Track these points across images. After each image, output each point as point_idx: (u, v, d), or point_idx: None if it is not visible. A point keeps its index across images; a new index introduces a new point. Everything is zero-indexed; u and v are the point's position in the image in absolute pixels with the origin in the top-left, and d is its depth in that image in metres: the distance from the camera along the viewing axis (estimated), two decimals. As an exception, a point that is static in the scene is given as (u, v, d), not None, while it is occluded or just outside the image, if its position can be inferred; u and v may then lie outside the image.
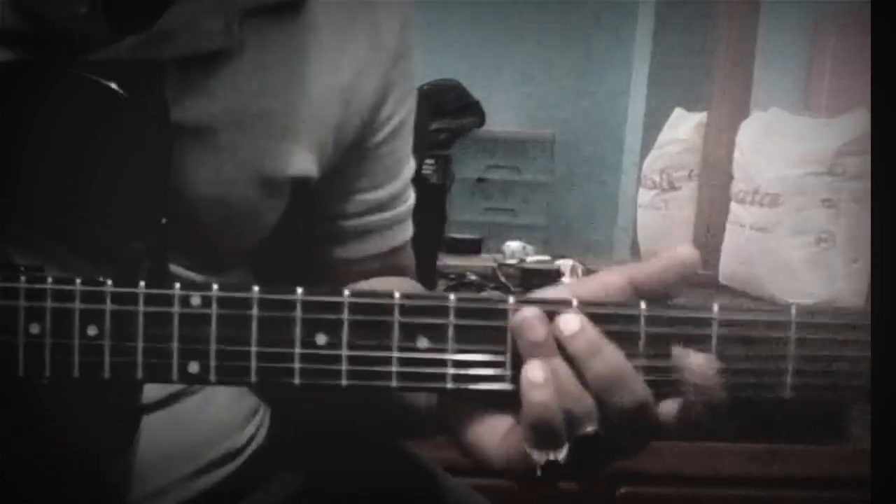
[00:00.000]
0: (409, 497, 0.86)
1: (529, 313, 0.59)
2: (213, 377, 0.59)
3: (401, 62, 0.82)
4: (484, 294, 0.59)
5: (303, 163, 0.78)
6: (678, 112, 2.44)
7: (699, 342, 0.59)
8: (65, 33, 0.67)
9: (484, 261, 2.17)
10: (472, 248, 2.37)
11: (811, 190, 1.95)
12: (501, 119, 3.94)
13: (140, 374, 0.60)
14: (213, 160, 0.73)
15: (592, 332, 0.58)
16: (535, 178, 4.04)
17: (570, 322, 0.58)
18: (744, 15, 2.23)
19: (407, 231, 0.89)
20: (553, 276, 2.02)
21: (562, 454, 0.59)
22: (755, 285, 2.05)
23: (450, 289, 1.90)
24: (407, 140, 0.86)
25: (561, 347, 0.59)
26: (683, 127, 2.36)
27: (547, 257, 2.15)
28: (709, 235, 2.24)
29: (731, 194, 2.15)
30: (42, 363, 0.59)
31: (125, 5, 0.68)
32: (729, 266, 2.14)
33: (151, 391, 0.72)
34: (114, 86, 0.63)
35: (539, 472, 0.60)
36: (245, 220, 0.77)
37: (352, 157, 0.82)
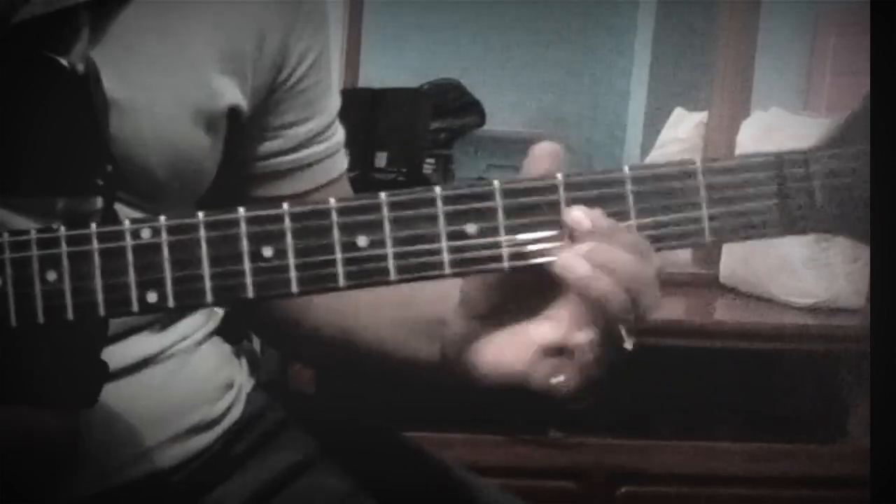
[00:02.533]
0: (414, 489, 0.87)
1: (566, 256, 0.62)
2: (171, 302, 0.62)
3: (307, 1, 0.84)
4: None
5: (230, 93, 0.80)
6: (678, 112, 2.44)
7: (616, 200, 0.63)
8: None
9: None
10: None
11: (811, 189, 1.95)
12: (502, 119, 3.94)
13: (102, 311, 0.62)
14: (142, 99, 0.75)
15: (606, 220, 0.62)
16: (535, 177, 4.03)
17: (581, 218, 0.63)
18: (744, 15, 2.23)
19: (341, 163, 0.91)
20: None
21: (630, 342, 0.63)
22: (755, 284, 2.05)
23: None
24: (328, 73, 0.89)
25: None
26: (684, 126, 2.36)
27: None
28: (709, 235, 2.24)
29: (731, 194, 2.15)
30: (6, 313, 0.62)
31: None
32: (729, 265, 2.14)
33: (119, 357, 0.74)
34: (40, 50, 0.65)
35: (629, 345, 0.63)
36: (190, 164, 0.79)
37: (274, 93, 0.84)
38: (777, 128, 2.08)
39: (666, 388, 1.89)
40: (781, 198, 0.63)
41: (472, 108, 3.66)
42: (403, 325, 0.78)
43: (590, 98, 4.13)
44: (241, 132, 0.83)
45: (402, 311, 0.78)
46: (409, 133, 2.49)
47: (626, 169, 0.63)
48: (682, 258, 2.34)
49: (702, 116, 2.32)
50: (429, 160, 2.62)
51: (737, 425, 1.94)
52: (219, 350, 0.88)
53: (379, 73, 2.68)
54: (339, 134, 0.90)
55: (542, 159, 0.65)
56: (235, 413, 0.87)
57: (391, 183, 2.30)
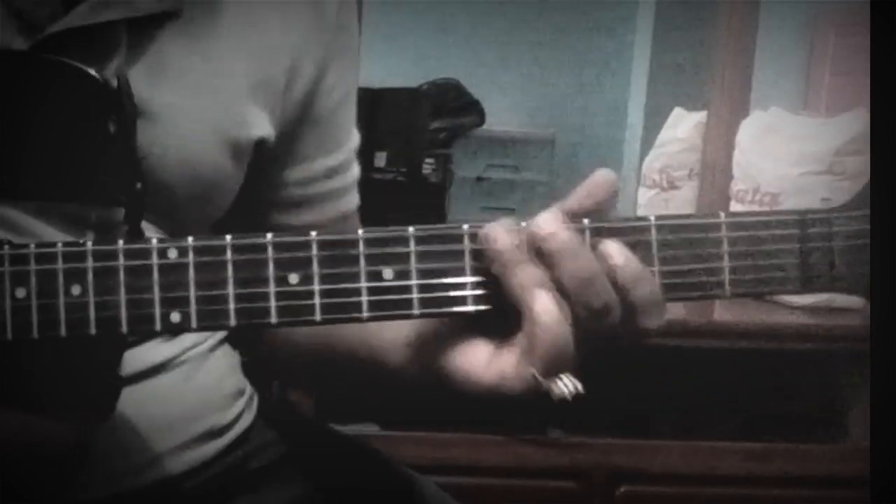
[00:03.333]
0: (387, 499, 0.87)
1: (491, 225, 0.62)
2: (194, 324, 0.62)
3: (341, 37, 0.85)
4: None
5: (259, 126, 0.81)
6: (678, 111, 2.44)
7: (640, 247, 0.63)
8: (20, 10, 0.69)
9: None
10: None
11: (811, 189, 1.95)
12: (501, 118, 3.94)
13: (125, 327, 0.62)
14: (173, 123, 0.75)
15: (569, 233, 0.62)
16: (534, 177, 4.03)
17: (549, 221, 0.62)
18: (743, 14, 2.23)
19: (354, 200, 0.92)
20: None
21: (577, 382, 0.62)
22: (755, 284, 2.05)
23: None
24: (351, 111, 0.89)
25: (537, 255, 0.62)
26: (683, 126, 2.36)
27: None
28: (708, 235, 2.24)
29: (730, 193, 2.15)
30: (29, 325, 0.62)
31: None
32: (729, 265, 2.14)
33: (132, 363, 0.74)
34: (74, 62, 0.65)
35: (560, 399, 0.62)
36: (212, 187, 0.80)
37: (300, 125, 0.85)
38: (776, 127, 2.08)
39: (666, 388, 1.89)
40: (802, 256, 0.64)
41: (471, 108, 3.66)
42: (372, 336, 0.77)
43: (589, 98, 4.13)
44: (267, 158, 0.83)
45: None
46: (408, 133, 2.49)
47: (653, 218, 0.63)
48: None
49: (701, 116, 2.31)
50: (428, 160, 2.62)
51: (737, 425, 1.94)
52: (229, 357, 0.88)
53: (378, 73, 2.68)
54: (354, 170, 0.91)
55: (598, 187, 0.64)
56: (245, 421, 0.87)
57: (391, 183, 2.30)
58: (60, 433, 0.65)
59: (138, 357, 0.77)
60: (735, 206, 2.12)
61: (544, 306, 0.61)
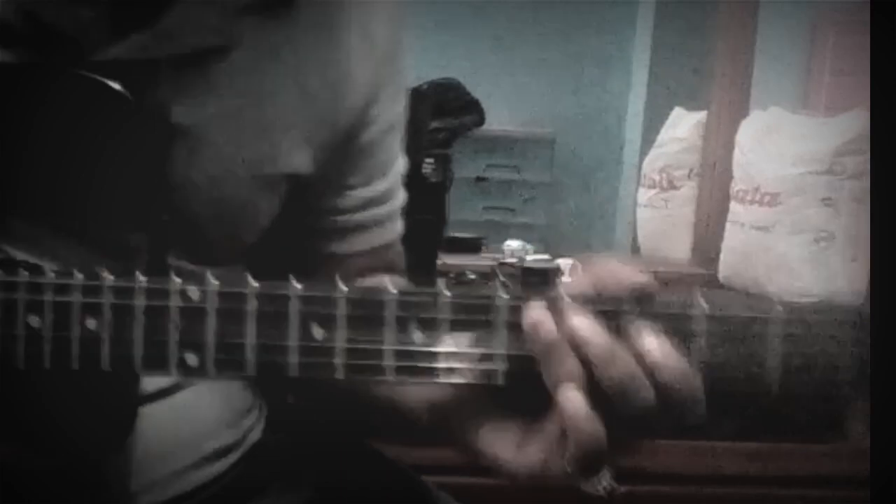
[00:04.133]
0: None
1: (541, 314, 0.59)
2: (210, 370, 0.60)
3: (391, 62, 0.83)
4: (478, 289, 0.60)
5: (297, 159, 0.79)
6: (677, 111, 2.44)
7: (688, 337, 0.60)
8: (70, 36, 0.68)
9: (484, 260, 2.17)
10: (472, 247, 2.37)
11: (810, 189, 1.95)
12: (501, 118, 3.95)
13: (138, 367, 0.60)
14: (211, 155, 0.74)
15: (606, 338, 0.59)
16: (534, 177, 4.04)
17: (583, 328, 0.59)
18: (743, 14, 2.23)
19: (396, 228, 0.90)
20: (553, 276, 2.02)
21: (611, 479, 0.60)
22: (754, 284, 2.05)
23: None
24: (397, 138, 0.87)
25: (573, 345, 0.59)
26: (683, 126, 2.36)
27: (546, 256, 2.15)
28: (708, 234, 2.25)
29: (730, 193, 2.15)
30: (41, 355, 0.60)
31: (128, 6, 0.69)
32: (728, 265, 2.14)
33: (150, 381, 0.73)
34: (115, 85, 0.64)
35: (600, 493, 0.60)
36: (240, 217, 0.78)
37: (344, 153, 0.82)
38: (776, 127, 2.09)
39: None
40: (853, 358, 0.60)
41: (471, 108, 3.67)
42: (393, 391, 0.74)
43: (589, 98, 4.13)
44: (305, 188, 0.81)
45: None
46: (408, 132, 2.49)
47: (703, 302, 0.60)
48: (680, 257, 2.34)
49: (701, 116, 2.32)
50: (428, 159, 2.61)
51: (737, 425, 1.94)
52: None
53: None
54: (399, 198, 0.89)
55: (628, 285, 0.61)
56: (255, 436, 0.86)
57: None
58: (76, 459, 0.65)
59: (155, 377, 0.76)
60: (735, 206, 2.12)
61: (576, 408, 0.58)
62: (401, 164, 0.89)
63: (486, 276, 2.02)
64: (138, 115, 0.65)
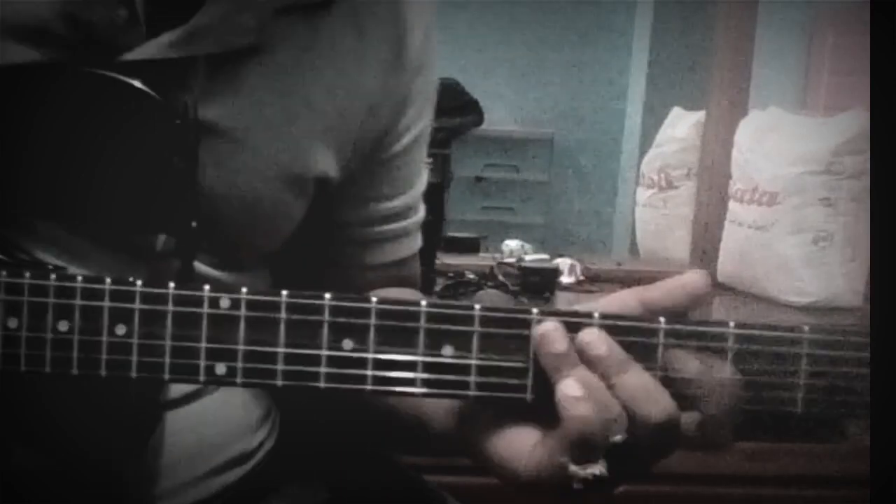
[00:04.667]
0: None
1: (550, 326, 0.59)
2: (239, 379, 0.60)
3: (422, 74, 0.83)
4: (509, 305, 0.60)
5: (325, 162, 0.79)
6: (676, 111, 2.44)
7: (716, 354, 0.60)
8: (102, 36, 0.68)
9: (482, 259, 2.17)
10: (471, 246, 2.37)
11: (809, 189, 1.95)
12: (500, 118, 3.95)
13: (167, 374, 0.60)
14: (241, 157, 0.74)
15: (617, 351, 0.59)
16: (533, 176, 4.04)
17: (596, 343, 0.59)
18: (742, 14, 2.23)
19: (416, 243, 0.90)
20: (552, 275, 2.02)
21: (603, 467, 0.60)
22: (753, 284, 2.05)
23: (448, 288, 1.90)
24: (422, 152, 0.88)
25: (584, 359, 0.59)
26: (682, 126, 2.36)
27: (545, 256, 2.15)
28: (707, 234, 2.25)
29: (729, 193, 2.15)
30: (69, 360, 0.60)
31: (161, 5, 0.69)
32: (727, 265, 2.14)
33: (174, 388, 0.73)
34: (143, 86, 0.64)
35: (578, 485, 0.60)
36: (269, 220, 0.78)
37: (370, 164, 0.83)
38: (775, 127, 2.08)
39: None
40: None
41: (470, 108, 3.66)
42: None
43: (588, 97, 4.13)
44: (330, 197, 0.82)
45: None
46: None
47: (732, 324, 0.61)
48: (679, 257, 2.34)
49: (699, 116, 2.31)
50: (427, 159, 2.60)
51: (737, 425, 1.94)
52: None
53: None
54: (421, 212, 0.89)
55: (684, 289, 0.62)
56: (270, 442, 0.87)
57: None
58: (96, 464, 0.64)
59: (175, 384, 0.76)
60: (734, 206, 2.12)
61: (570, 392, 0.59)
62: (424, 179, 0.89)
63: (485, 275, 2.02)
64: (167, 114, 0.65)
